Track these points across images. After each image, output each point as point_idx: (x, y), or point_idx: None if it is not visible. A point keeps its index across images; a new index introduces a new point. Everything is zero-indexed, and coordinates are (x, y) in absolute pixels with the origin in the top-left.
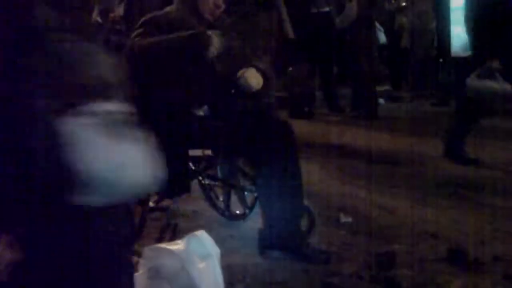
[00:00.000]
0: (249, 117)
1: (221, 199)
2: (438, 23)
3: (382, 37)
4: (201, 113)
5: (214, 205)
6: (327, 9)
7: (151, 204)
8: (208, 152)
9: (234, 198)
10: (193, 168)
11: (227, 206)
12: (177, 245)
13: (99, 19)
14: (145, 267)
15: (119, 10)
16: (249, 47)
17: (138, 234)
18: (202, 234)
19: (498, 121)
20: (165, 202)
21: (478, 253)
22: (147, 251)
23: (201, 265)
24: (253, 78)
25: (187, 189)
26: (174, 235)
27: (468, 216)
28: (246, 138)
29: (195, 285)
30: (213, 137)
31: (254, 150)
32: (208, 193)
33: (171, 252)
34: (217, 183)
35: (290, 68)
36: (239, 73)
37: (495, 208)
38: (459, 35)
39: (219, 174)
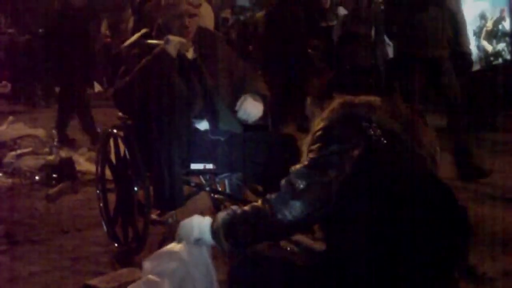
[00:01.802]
0: (251, 132)
1: None
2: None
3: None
4: (201, 127)
5: None
6: (335, 22)
7: (153, 217)
8: (209, 166)
9: None
10: (197, 182)
11: None
12: (177, 246)
13: (108, 33)
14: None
15: (129, 23)
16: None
17: (141, 246)
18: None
19: None
20: (167, 216)
21: (488, 268)
22: (146, 263)
23: (197, 256)
24: (252, 108)
25: (183, 202)
26: None
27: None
28: (248, 153)
29: (193, 281)
30: (214, 151)
31: (258, 165)
32: (217, 207)
33: (169, 252)
34: (225, 197)
35: None
36: (237, 104)
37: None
38: None
39: (227, 189)
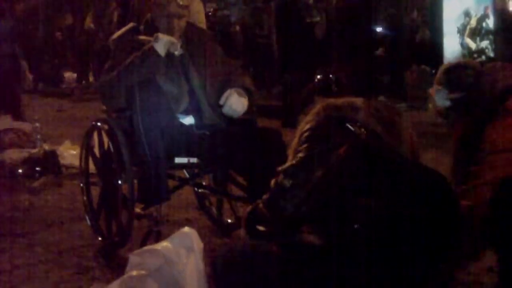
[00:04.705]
0: (235, 126)
1: (214, 208)
2: (431, 34)
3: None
4: (186, 122)
5: (207, 214)
6: (318, 19)
7: (138, 210)
8: (194, 160)
9: (227, 207)
10: (181, 176)
11: (220, 215)
12: (163, 243)
13: (92, 26)
14: (130, 271)
15: (114, 16)
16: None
17: (125, 240)
18: (187, 230)
19: None
20: (151, 209)
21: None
22: (132, 258)
23: (185, 259)
24: (237, 104)
25: (167, 196)
26: (157, 242)
27: None
28: (233, 147)
29: (178, 279)
30: (199, 146)
31: (243, 160)
32: (201, 202)
33: (154, 250)
34: (209, 192)
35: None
36: (222, 99)
37: None
38: (452, 45)
39: (212, 183)
